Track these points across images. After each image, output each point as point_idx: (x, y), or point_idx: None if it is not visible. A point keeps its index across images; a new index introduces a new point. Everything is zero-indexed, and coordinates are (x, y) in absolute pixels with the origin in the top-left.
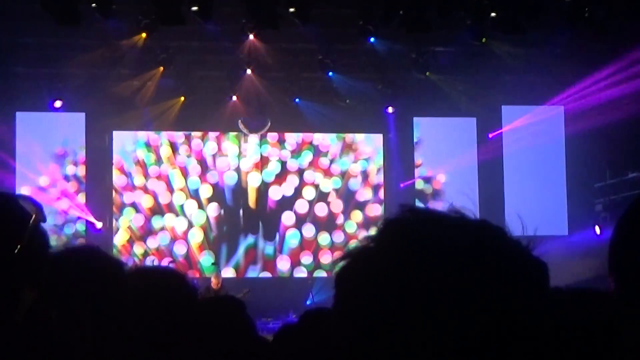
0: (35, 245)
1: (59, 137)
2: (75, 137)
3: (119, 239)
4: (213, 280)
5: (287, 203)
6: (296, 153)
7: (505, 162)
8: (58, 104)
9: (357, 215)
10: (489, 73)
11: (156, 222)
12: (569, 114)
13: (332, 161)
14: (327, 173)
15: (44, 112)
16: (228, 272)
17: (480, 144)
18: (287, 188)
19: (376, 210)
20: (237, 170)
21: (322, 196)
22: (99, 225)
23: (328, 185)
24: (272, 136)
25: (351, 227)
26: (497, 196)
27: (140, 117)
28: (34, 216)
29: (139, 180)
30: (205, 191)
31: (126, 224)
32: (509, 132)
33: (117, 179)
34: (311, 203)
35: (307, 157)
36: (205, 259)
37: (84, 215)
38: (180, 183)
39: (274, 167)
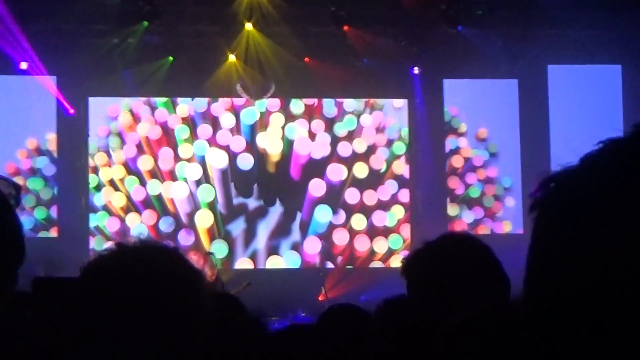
0: (9, 235)
1: (26, 104)
2: (45, 104)
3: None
4: (207, 272)
5: (315, 170)
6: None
7: (552, 130)
8: (24, 66)
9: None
10: (532, 27)
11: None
12: (627, 74)
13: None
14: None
15: (7, 75)
16: (244, 263)
17: (523, 109)
18: (317, 152)
19: (383, 187)
20: (252, 141)
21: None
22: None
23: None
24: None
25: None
26: (543, 170)
27: (121, 81)
28: (11, 200)
29: (121, 152)
30: (214, 162)
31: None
32: (556, 96)
33: (96, 154)
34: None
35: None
36: (217, 246)
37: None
38: (184, 151)
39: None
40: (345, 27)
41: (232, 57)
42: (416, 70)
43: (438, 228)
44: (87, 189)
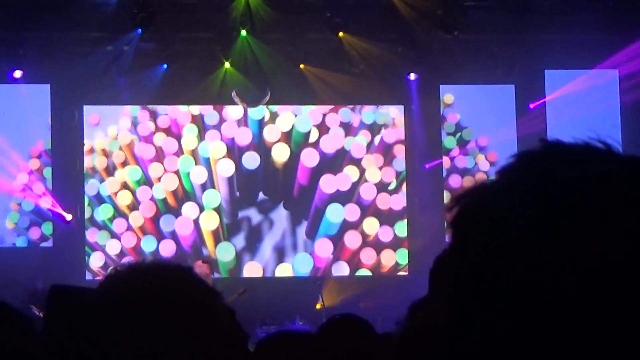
0: None
1: (20, 113)
2: (39, 113)
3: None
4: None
5: (327, 166)
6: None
7: (550, 136)
8: (18, 74)
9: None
10: (529, 32)
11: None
12: (625, 79)
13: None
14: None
15: (1, 84)
16: (253, 270)
17: (520, 115)
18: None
19: (397, 196)
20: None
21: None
22: (68, 217)
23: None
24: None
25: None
26: None
27: (116, 89)
28: None
29: (119, 161)
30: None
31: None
32: (553, 101)
33: (91, 160)
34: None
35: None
36: (223, 248)
37: (50, 206)
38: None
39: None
40: (341, 34)
41: (227, 64)
42: (412, 76)
43: (436, 235)
44: (82, 199)
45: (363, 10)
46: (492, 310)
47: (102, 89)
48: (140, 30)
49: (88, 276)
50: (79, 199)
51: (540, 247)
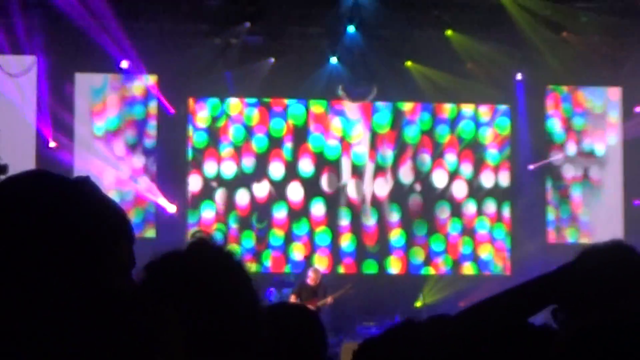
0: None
1: (125, 106)
2: (144, 103)
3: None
4: (311, 274)
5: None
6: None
7: None
8: (125, 64)
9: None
10: (638, 34)
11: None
12: None
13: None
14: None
15: (108, 73)
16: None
17: (627, 119)
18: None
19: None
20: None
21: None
22: (171, 209)
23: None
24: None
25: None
26: None
27: (222, 82)
28: None
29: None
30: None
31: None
32: None
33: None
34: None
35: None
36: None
37: (153, 198)
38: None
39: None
40: (448, 32)
41: (334, 59)
42: (519, 76)
43: (537, 237)
44: (186, 186)
45: (471, 9)
46: None
47: (209, 82)
48: (248, 24)
49: None
50: (182, 190)
51: None
